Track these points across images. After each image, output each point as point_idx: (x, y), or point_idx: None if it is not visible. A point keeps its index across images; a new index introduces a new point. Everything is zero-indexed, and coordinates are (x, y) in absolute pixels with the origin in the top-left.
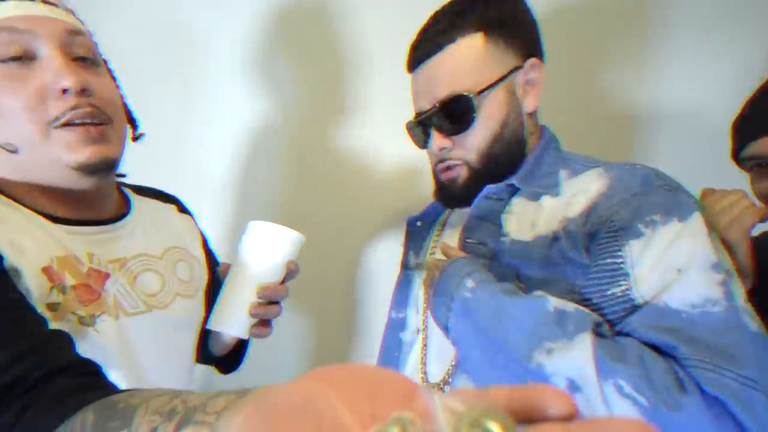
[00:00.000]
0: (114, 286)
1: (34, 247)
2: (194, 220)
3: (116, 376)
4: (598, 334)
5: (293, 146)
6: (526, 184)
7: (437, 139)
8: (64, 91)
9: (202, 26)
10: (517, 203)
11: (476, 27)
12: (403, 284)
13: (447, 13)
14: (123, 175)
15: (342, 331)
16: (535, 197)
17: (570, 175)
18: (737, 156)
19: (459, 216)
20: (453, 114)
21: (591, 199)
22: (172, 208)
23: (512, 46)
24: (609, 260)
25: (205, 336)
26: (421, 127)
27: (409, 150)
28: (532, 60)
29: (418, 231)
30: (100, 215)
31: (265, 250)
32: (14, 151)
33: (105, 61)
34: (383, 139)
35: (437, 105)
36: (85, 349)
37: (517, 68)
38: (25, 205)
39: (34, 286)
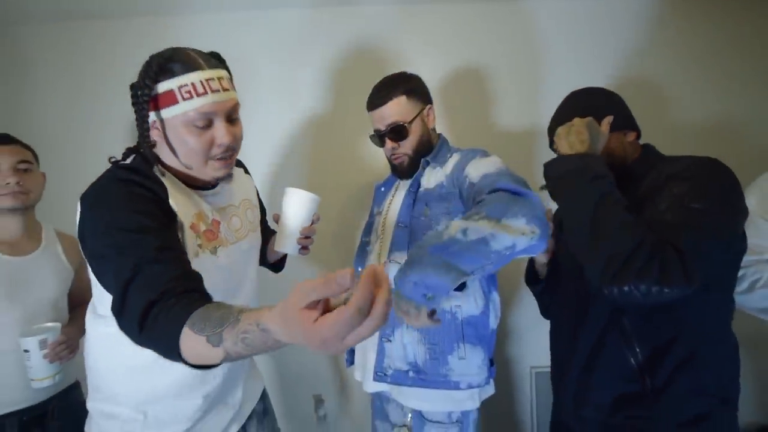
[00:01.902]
0: (223, 229)
1: (185, 207)
2: (252, 179)
3: (227, 277)
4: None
5: (313, 143)
6: (434, 160)
7: (389, 144)
8: (222, 144)
9: (250, 60)
10: (428, 170)
11: (401, 92)
12: (369, 223)
13: (386, 84)
14: None
15: (341, 251)
16: (435, 167)
17: (451, 156)
18: (551, 147)
19: (404, 184)
20: (397, 132)
21: (452, 165)
22: (241, 170)
23: (419, 100)
24: (462, 177)
25: (263, 253)
26: (380, 137)
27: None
28: (428, 106)
29: (381, 193)
30: (212, 181)
31: (301, 205)
32: (189, 168)
33: None
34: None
35: (388, 127)
36: (215, 265)
37: (422, 109)
38: (181, 180)
39: (187, 237)
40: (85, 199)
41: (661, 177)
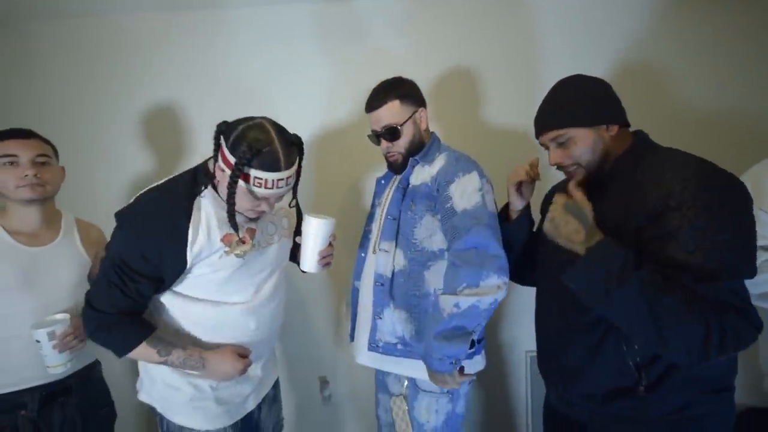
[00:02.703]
0: (258, 235)
1: (220, 221)
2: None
3: (253, 274)
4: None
5: (316, 137)
6: (422, 159)
7: (384, 143)
8: (261, 212)
9: (248, 56)
10: (417, 168)
11: (395, 97)
12: (370, 214)
13: (381, 89)
14: None
15: (342, 238)
16: (423, 166)
17: (439, 156)
18: (537, 138)
19: (400, 180)
20: (391, 133)
21: (438, 168)
22: None
23: (411, 104)
24: (445, 194)
25: (294, 252)
26: (376, 137)
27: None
28: (421, 109)
29: (381, 185)
30: None
31: (318, 230)
32: (236, 209)
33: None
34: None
35: (383, 129)
36: (240, 265)
37: (415, 112)
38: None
39: (203, 247)
40: (134, 201)
41: (671, 191)
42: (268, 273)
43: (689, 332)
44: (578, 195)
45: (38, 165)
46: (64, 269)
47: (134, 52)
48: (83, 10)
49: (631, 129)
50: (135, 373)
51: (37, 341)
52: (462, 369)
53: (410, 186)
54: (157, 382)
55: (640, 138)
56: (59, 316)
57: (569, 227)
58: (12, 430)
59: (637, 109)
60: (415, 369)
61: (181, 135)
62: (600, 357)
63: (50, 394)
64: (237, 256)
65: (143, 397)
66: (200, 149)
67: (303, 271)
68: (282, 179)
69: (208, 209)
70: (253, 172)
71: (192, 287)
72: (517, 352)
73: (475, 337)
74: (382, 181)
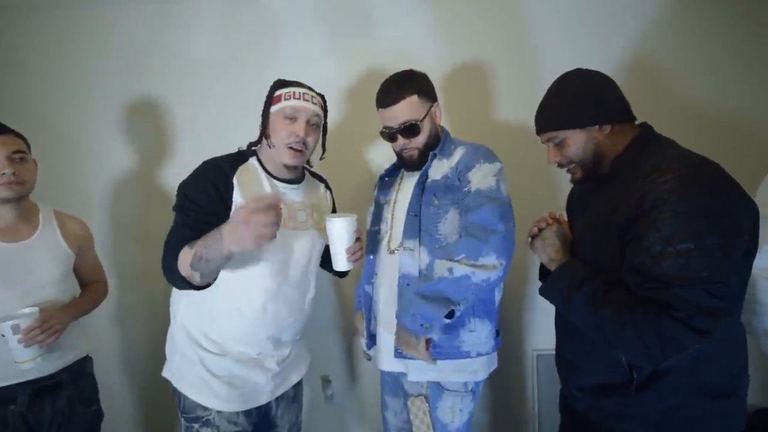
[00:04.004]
0: (283, 213)
1: (254, 187)
2: (331, 194)
3: (273, 249)
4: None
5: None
6: (440, 153)
7: (401, 140)
8: (298, 135)
9: (254, 78)
10: (435, 162)
11: (413, 91)
12: (375, 212)
13: (397, 83)
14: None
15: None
16: (441, 159)
17: (456, 149)
18: (538, 134)
19: (409, 174)
20: (409, 129)
21: (458, 158)
22: (321, 185)
23: (428, 98)
24: (465, 180)
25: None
26: (391, 134)
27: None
28: (435, 103)
29: (385, 183)
30: (293, 178)
31: (341, 229)
32: (273, 147)
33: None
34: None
35: (401, 125)
36: (272, 243)
37: (431, 107)
38: (266, 171)
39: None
40: (202, 163)
41: (647, 196)
42: (291, 258)
43: (628, 343)
44: (567, 227)
45: (15, 162)
46: (46, 263)
47: (128, 46)
48: (74, 1)
49: (638, 122)
50: (124, 371)
51: (2, 335)
52: (428, 342)
53: (429, 180)
54: (176, 355)
55: (644, 132)
56: (27, 310)
57: (552, 247)
58: (1, 424)
59: (644, 106)
60: (442, 371)
61: (180, 130)
62: (593, 354)
63: (41, 388)
64: None
65: (166, 373)
66: (200, 145)
67: (339, 275)
68: (306, 93)
69: (250, 170)
70: (283, 90)
71: None
72: (526, 351)
73: (458, 310)
74: (386, 179)
